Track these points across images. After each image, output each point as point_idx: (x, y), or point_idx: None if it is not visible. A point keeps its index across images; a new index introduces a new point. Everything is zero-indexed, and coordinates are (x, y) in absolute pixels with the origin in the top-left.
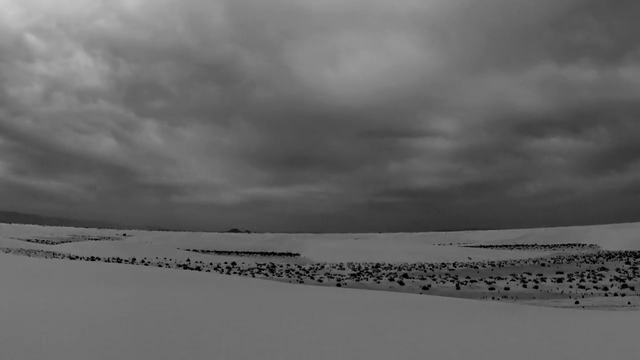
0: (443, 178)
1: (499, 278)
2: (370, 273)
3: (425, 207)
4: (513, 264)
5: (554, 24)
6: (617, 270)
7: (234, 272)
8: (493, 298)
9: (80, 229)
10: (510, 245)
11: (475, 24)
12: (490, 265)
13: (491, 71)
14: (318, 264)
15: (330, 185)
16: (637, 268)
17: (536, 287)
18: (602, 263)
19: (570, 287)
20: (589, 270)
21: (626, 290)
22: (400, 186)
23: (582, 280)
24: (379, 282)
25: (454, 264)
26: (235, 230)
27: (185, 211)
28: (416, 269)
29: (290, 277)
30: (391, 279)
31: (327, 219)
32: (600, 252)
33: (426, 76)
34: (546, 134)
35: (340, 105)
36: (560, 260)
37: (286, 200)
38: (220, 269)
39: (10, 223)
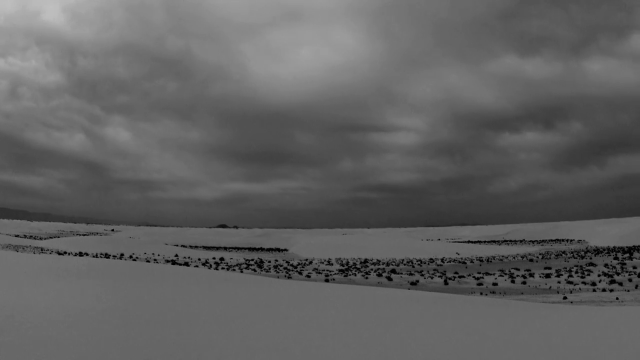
0: (420, 174)
1: (487, 273)
2: (358, 268)
3: (407, 203)
4: (501, 260)
5: (506, 15)
6: (606, 265)
7: (222, 268)
8: (481, 293)
9: (69, 224)
10: (498, 241)
11: (420, 15)
12: (478, 261)
13: (448, 64)
14: (306, 260)
15: (307, 181)
16: (625, 264)
17: (524, 283)
18: (591, 258)
19: (559, 282)
20: (577, 266)
21: (614, 286)
22: (378, 182)
23: (570, 276)
24: (367, 278)
25: (442, 260)
26: (223, 226)
27: (165, 207)
28: (404, 264)
29: (278, 272)
30: (379, 275)
31: (310, 215)
32: (589, 248)
33: (380, 70)
34: (519, 129)
35: (299, 101)
36: (549, 256)
37: (266, 196)
38: (208, 265)
39: None
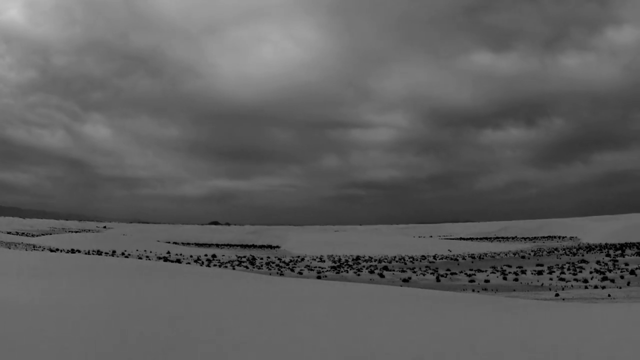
0: (404, 171)
1: (479, 270)
2: (350, 265)
3: (395, 200)
4: (493, 256)
5: (474, 9)
6: (598, 262)
7: (214, 265)
8: (473, 290)
9: (61, 221)
10: (490, 238)
11: (383, 9)
12: (470, 258)
13: (418, 60)
14: (298, 257)
15: (291, 179)
16: (617, 260)
17: (516, 280)
18: (583, 255)
19: (551, 279)
20: (569, 263)
21: (606, 283)
22: (363, 179)
23: (563, 273)
24: (359, 275)
25: (434, 257)
26: (215, 223)
27: (154, 204)
28: (396, 261)
29: (270, 269)
30: (371, 272)
31: (300, 212)
32: (581, 245)
33: (347, 65)
34: (501, 126)
35: (270, 98)
36: (541, 253)
37: (253, 193)
38: (200, 262)
39: None
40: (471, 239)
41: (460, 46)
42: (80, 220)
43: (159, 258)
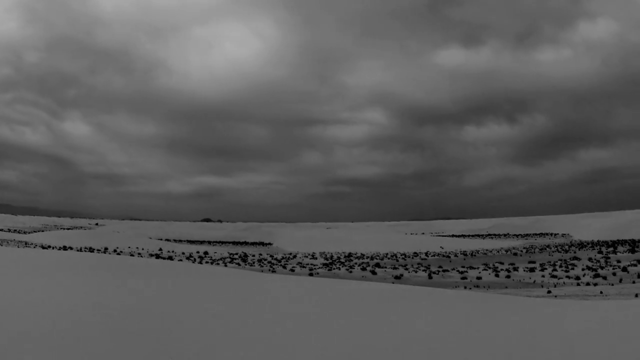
0: (386, 168)
1: (471, 267)
2: (342, 262)
3: (382, 197)
4: (485, 254)
5: (443, 2)
6: (590, 259)
7: (206, 262)
8: (465, 287)
9: (53, 218)
10: (482, 235)
11: (345, 4)
12: (462, 255)
13: (386, 56)
14: (290, 254)
15: (276, 176)
16: (609, 258)
17: (508, 277)
18: (575, 252)
19: (543, 276)
20: (561, 260)
21: (598, 280)
22: (348, 175)
23: (555, 270)
24: (351, 272)
25: (426, 254)
26: (207, 220)
27: (142, 201)
28: (388, 258)
29: (262, 266)
30: (363, 269)
31: (290, 209)
32: (573, 242)
33: (315, 61)
34: (482, 123)
35: (241, 95)
36: (533, 250)
37: (240, 190)
38: (192, 259)
39: None
40: (463, 236)
41: (429, 41)
42: (72, 217)
43: (151, 255)
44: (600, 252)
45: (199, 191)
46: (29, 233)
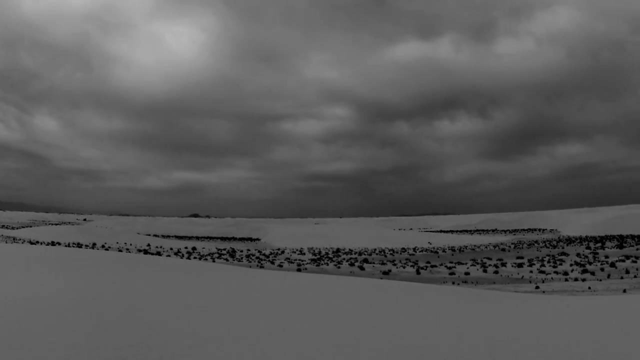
0: (363, 163)
1: (459, 263)
2: (330, 258)
3: (362, 192)
4: (473, 249)
5: None
6: (578, 255)
7: (194, 257)
8: (453, 283)
9: (41, 213)
10: (470, 230)
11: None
12: (450, 250)
13: (339, 50)
14: (278, 249)
15: (251, 171)
16: (597, 253)
17: (496, 272)
18: (563, 248)
19: (531, 272)
20: (549, 255)
21: (586, 275)
22: (323, 170)
23: (543, 265)
24: (339, 267)
25: (414, 249)
26: (195, 215)
27: (127, 196)
28: (376, 254)
29: (250, 262)
30: (352, 264)
31: (273, 204)
32: (561, 237)
33: (278, 57)
34: (454, 117)
35: (199, 91)
36: (521, 245)
37: (219, 185)
38: (180, 254)
39: None
40: (451, 231)
41: (382, 34)
42: (60, 213)
43: (139, 250)
44: (588, 247)
45: (180, 187)
46: (17, 229)
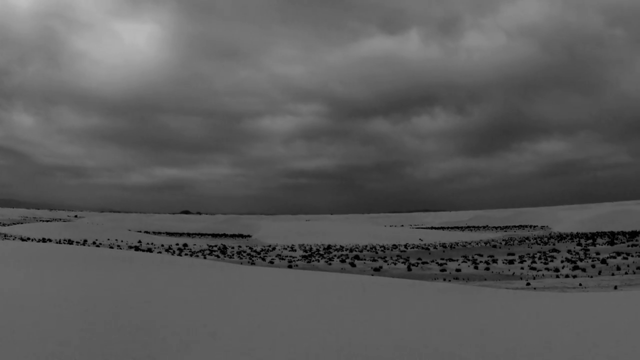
0: (343, 160)
1: (450, 259)
2: (321, 254)
3: (347, 188)
4: (464, 246)
5: None
6: (569, 251)
7: (185, 254)
8: (444, 279)
9: (32, 210)
10: (461, 227)
11: None
12: (441, 247)
13: (303, 45)
14: (269, 246)
15: (231, 167)
16: (588, 250)
17: (487, 269)
18: (554, 244)
19: (522, 268)
20: (540, 252)
21: (577, 272)
22: (306, 167)
23: (534, 262)
24: (330, 264)
25: (405, 246)
26: (186, 212)
27: (113, 192)
28: (368, 250)
29: (241, 258)
30: (343, 261)
31: (261, 200)
32: (552, 234)
33: (244, 53)
34: (432, 114)
35: (168, 88)
36: (512, 242)
37: (202, 182)
38: (171, 251)
39: None
40: (442, 228)
41: (348, 30)
42: (51, 210)
43: (130, 247)
44: (579, 244)
45: (164, 183)
46: (8, 225)
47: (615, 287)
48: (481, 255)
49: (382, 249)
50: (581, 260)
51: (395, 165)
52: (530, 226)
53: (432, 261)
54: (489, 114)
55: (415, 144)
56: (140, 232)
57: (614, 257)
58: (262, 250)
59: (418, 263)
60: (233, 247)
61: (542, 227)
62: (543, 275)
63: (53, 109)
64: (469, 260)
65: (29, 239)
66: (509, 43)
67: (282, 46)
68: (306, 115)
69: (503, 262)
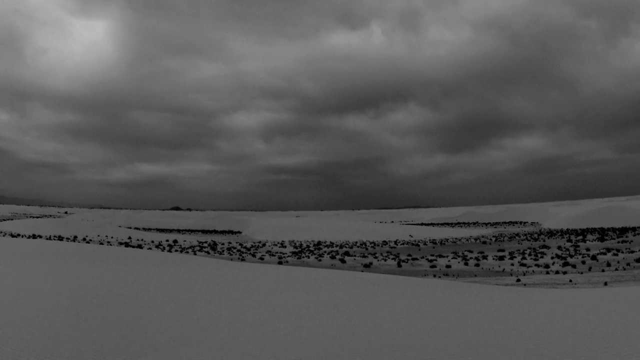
0: (322, 156)
1: (440, 256)
2: (311, 251)
3: (330, 184)
4: (454, 242)
5: None
6: (559, 248)
7: (176, 250)
8: (434, 276)
9: (22, 206)
10: (451, 223)
11: None
12: (431, 243)
13: (270, 41)
14: (259, 242)
15: (211, 163)
16: (578, 246)
17: (477, 265)
18: (544, 241)
19: (512, 265)
20: (530, 248)
21: (568, 268)
22: (286, 164)
23: (524, 258)
24: (320, 260)
25: (395, 242)
26: (176, 208)
27: (97, 188)
28: (358, 246)
29: (231, 255)
30: (333, 257)
31: (248, 197)
32: (542, 230)
33: (207, 50)
34: (406, 109)
35: (135, 84)
36: (502, 238)
37: (185, 178)
38: (161, 247)
39: None
40: (432, 224)
41: (309, 24)
42: (41, 206)
43: (120, 243)
44: (569, 240)
45: (148, 180)
46: None
47: (606, 284)
48: (471, 252)
49: (372, 245)
50: (571, 256)
51: (377, 161)
52: (521, 222)
53: (422, 257)
54: (466, 110)
55: (394, 140)
56: (130, 228)
57: (604, 254)
58: (252, 246)
59: (408, 259)
60: (223, 244)
61: (533, 224)
62: (533, 271)
63: (27, 105)
64: (459, 256)
65: (18, 235)
66: (476, 37)
67: (239, 42)
68: (280, 111)
69: (493, 259)
